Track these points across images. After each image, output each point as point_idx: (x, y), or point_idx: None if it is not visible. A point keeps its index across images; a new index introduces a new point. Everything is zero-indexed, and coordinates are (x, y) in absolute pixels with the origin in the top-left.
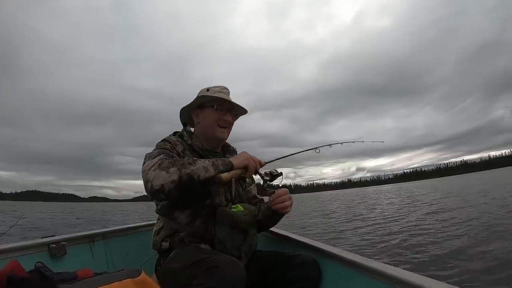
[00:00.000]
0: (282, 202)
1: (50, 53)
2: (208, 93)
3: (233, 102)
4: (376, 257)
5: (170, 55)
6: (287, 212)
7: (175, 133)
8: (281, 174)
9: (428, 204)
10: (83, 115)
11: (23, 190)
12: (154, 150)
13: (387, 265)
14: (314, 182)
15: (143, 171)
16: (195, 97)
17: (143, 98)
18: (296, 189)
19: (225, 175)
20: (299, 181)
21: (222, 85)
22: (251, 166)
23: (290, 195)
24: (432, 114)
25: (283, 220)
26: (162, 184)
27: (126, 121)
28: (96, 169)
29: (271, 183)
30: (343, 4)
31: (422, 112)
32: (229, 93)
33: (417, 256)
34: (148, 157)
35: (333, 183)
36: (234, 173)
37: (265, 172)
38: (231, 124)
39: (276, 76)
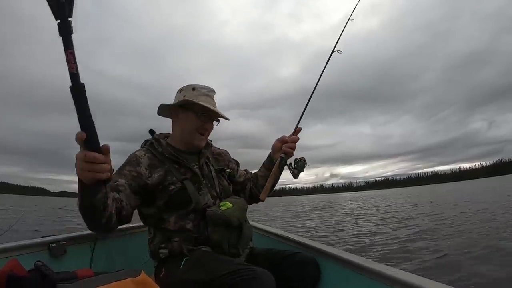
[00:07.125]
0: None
1: (10, 28)
2: (194, 95)
3: (218, 112)
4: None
5: (145, 40)
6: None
7: (146, 142)
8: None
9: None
10: (48, 101)
11: None
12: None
13: (387, 266)
14: (287, 186)
15: None
16: (172, 90)
17: (114, 86)
18: None
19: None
20: None
21: (204, 84)
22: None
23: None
24: (410, 122)
25: (283, 219)
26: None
27: (95, 110)
28: (64, 161)
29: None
30: (334, 2)
31: (401, 120)
32: (214, 95)
33: (416, 257)
34: None
35: (305, 188)
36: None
37: None
38: (210, 131)
39: (256, 72)
